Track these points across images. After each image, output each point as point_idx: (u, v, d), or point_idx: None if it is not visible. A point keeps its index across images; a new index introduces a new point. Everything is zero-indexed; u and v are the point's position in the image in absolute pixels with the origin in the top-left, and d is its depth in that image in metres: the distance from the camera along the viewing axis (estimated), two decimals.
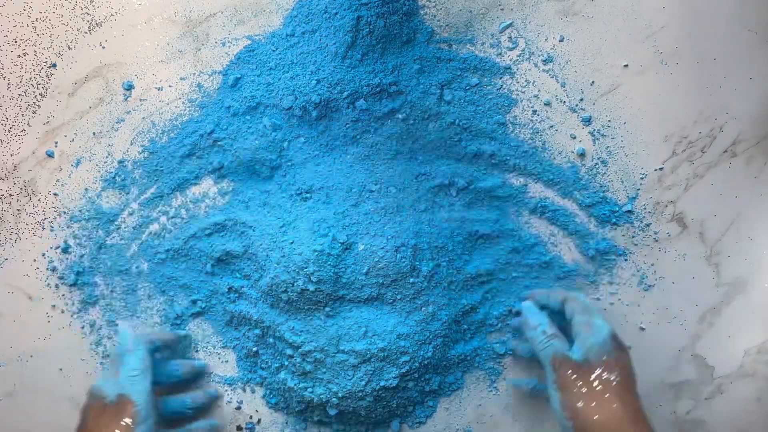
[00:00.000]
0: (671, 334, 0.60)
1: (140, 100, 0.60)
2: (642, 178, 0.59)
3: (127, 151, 0.60)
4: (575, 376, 0.48)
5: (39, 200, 0.60)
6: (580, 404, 0.47)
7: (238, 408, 0.60)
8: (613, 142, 0.59)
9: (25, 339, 0.60)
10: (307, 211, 0.57)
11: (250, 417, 0.60)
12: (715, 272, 0.60)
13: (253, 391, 0.60)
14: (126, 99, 0.60)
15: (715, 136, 0.59)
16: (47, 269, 0.60)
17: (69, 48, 0.59)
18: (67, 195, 0.60)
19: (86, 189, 0.60)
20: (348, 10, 0.53)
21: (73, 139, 0.60)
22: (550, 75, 0.59)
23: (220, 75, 0.60)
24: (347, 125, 0.56)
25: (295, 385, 0.57)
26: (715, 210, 0.59)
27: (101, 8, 0.59)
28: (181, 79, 0.60)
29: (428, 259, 0.56)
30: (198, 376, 0.60)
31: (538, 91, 0.59)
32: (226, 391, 0.60)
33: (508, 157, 0.59)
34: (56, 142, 0.60)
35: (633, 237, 0.59)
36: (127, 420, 0.49)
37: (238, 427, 0.60)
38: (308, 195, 0.57)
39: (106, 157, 0.60)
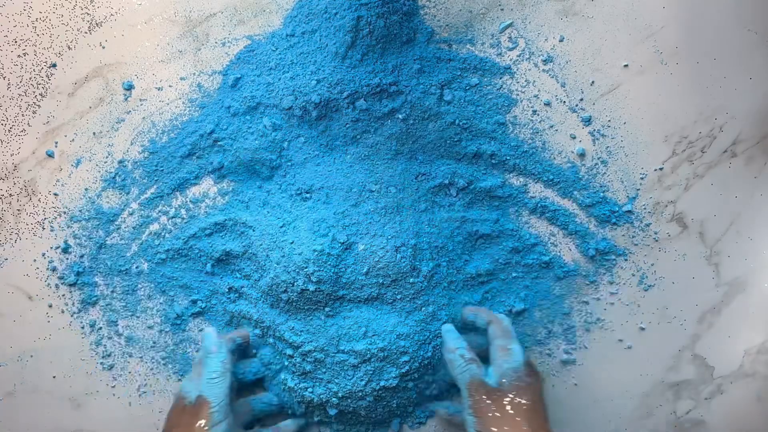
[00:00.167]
0: (671, 334, 0.60)
1: (140, 100, 0.60)
2: (642, 178, 0.59)
3: (127, 151, 0.60)
4: (489, 401, 0.49)
5: (39, 200, 0.60)
6: (494, 429, 0.48)
7: None
8: (613, 142, 0.59)
9: (25, 339, 0.60)
10: (307, 211, 0.57)
11: None
12: (715, 272, 0.60)
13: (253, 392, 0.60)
14: (126, 99, 0.60)
15: (715, 136, 0.59)
16: (47, 269, 0.60)
17: (69, 48, 0.59)
18: (67, 195, 0.60)
19: (86, 189, 0.60)
20: (348, 10, 0.53)
21: (73, 139, 0.60)
22: (550, 75, 0.59)
23: (220, 75, 0.60)
24: (347, 125, 0.56)
25: (295, 384, 0.57)
26: (715, 210, 0.59)
27: (101, 8, 0.59)
28: (181, 79, 0.60)
29: (428, 259, 0.56)
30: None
31: (538, 91, 0.59)
32: None
33: (508, 157, 0.59)
34: (56, 142, 0.60)
35: (633, 237, 0.59)
36: (202, 422, 0.50)
37: None
38: (308, 195, 0.57)
39: (106, 157, 0.60)
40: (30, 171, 0.60)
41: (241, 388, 0.58)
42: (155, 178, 0.60)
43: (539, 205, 0.59)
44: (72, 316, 0.60)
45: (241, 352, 0.59)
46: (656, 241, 0.59)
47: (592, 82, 0.59)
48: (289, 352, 0.57)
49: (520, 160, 0.59)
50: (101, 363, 0.60)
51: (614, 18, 0.59)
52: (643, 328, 0.60)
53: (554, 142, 0.59)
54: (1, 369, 0.60)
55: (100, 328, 0.60)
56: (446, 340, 0.55)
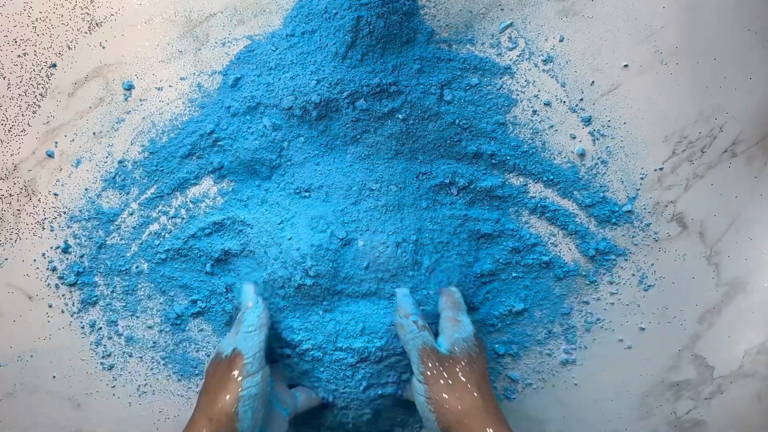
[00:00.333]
0: (671, 334, 0.60)
1: (140, 100, 0.60)
2: (642, 178, 0.59)
3: (127, 151, 0.60)
4: (441, 368, 0.49)
5: (39, 200, 0.60)
6: (444, 395, 0.48)
7: None
8: (613, 142, 0.59)
9: (25, 339, 0.60)
10: (305, 209, 0.57)
11: None
12: (715, 272, 0.60)
13: None
14: (126, 99, 0.60)
15: (715, 136, 0.59)
16: (47, 269, 0.60)
17: (69, 48, 0.59)
18: (67, 195, 0.60)
19: (86, 189, 0.60)
20: (348, 10, 0.53)
21: (73, 139, 0.60)
22: (550, 75, 0.59)
23: (220, 75, 0.60)
24: (347, 125, 0.56)
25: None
26: (715, 210, 0.59)
27: (101, 8, 0.59)
28: (181, 79, 0.60)
29: (431, 252, 0.56)
30: None
31: (538, 91, 0.59)
32: None
33: (508, 157, 0.59)
34: (56, 142, 0.60)
35: (633, 237, 0.59)
36: (236, 372, 0.49)
37: None
38: (307, 193, 0.57)
39: (106, 157, 0.60)
40: (30, 171, 0.60)
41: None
42: (155, 178, 0.60)
43: (539, 205, 0.59)
44: (72, 316, 0.60)
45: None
46: (656, 241, 0.59)
47: (592, 82, 0.59)
48: (287, 352, 0.57)
49: (520, 160, 0.59)
50: (101, 363, 0.60)
51: (614, 18, 0.59)
52: (643, 328, 0.60)
53: (554, 142, 0.59)
54: (1, 369, 0.60)
55: (100, 328, 0.60)
56: (401, 303, 0.54)
